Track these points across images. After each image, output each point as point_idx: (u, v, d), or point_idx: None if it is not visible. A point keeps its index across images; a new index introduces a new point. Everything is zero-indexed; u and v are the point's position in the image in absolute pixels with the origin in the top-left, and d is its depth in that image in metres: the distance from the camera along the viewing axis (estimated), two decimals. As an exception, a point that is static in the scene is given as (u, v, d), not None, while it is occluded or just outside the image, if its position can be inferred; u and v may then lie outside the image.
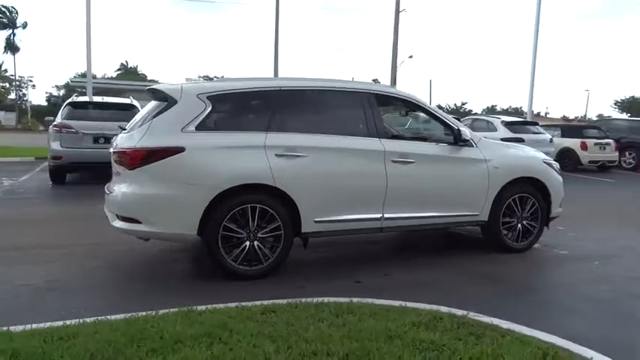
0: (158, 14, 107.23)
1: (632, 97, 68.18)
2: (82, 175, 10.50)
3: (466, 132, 4.94)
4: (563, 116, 58.14)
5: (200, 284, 4.08)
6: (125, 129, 4.51)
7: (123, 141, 4.23)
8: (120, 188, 4.08)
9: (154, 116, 4.10)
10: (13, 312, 3.39)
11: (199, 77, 75.49)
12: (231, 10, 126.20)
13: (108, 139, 9.36)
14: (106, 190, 4.62)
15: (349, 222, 4.50)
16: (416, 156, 4.74)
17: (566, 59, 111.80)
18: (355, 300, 3.26)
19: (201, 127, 4.09)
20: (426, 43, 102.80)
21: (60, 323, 2.83)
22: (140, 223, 3.97)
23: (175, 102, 4.13)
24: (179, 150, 3.97)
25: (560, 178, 5.62)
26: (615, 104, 68.70)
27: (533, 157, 5.56)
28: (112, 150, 4.41)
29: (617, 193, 11.30)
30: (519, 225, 5.30)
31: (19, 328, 2.76)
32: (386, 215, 4.61)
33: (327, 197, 4.36)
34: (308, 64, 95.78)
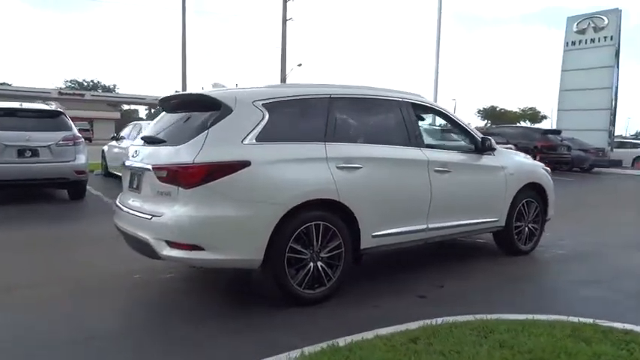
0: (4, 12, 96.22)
1: (492, 106, 76.67)
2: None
3: (493, 141, 5.08)
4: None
5: (259, 315, 3.62)
6: (154, 139, 3.88)
7: (167, 155, 3.60)
8: (173, 210, 3.46)
9: (209, 126, 3.56)
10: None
11: (66, 82, 69.17)
12: (91, 9, 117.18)
13: (35, 152, 8.12)
14: (123, 209, 3.94)
15: (400, 235, 4.34)
16: (452, 165, 4.76)
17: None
18: (478, 317, 3.12)
19: (262, 138, 3.66)
20: (315, 50, 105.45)
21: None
22: (203, 250, 3.41)
23: (230, 110, 3.64)
24: (245, 164, 3.50)
25: (552, 182, 6.02)
26: (478, 112, 76.71)
27: (535, 163, 5.89)
28: (146, 166, 3.73)
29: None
30: (526, 228, 5.57)
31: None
32: (430, 225, 4.54)
33: (382, 210, 4.17)
34: (195, 70, 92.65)
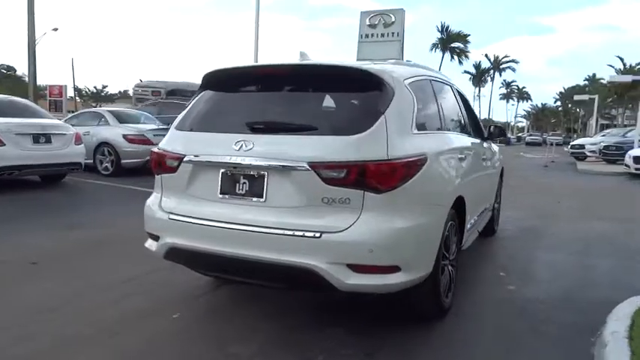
0: None
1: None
2: None
3: (504, 129, 5.29)
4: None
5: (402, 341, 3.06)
6: (293, 126, 2.81)
7: (338, 147, 2.60)
8: (362, 222, 2.54)
9: (383, 110, 2.73)
10: None
11: None
12: None
13: None
14: (206, 223, 2.82)
15: (472, 227, 4.19)
16: (486, 152, 4.80)
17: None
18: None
19: (418, 126, 3.02)
20: (71, 14, 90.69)
21: None
22: (399, 271, 2.65)
23: (393, 91, 2.87)
24: (424, 160, 2.84)
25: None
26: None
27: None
28: (292, 163, 2.64)
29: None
30: (496, 209, 6.03)
31: None
32: (477, 216, 4.50)
33: (472, 202, 3.95)
34: None
